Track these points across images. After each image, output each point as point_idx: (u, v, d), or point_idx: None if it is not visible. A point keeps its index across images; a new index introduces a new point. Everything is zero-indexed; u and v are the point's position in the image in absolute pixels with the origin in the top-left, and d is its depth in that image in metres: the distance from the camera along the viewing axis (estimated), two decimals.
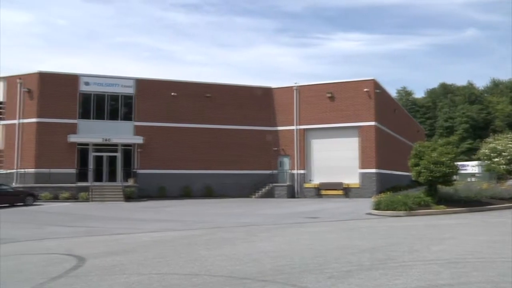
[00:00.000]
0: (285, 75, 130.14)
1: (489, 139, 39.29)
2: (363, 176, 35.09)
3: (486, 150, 37.71)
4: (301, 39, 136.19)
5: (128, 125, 35.82)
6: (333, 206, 25.96)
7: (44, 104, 33.75)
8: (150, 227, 16.89)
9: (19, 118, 34.05)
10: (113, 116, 35.74)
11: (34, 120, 33.67)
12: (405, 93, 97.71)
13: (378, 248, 10.47)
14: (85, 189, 32.68)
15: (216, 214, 22.67)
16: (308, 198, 35.71)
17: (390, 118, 41.29)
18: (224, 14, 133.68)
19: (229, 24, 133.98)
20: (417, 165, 21.24)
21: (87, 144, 34.90)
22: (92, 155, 35.00)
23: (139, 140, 35.38)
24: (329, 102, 36.59)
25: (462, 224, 15.86)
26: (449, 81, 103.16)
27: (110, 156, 35.50)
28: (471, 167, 54.76)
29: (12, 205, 27.98)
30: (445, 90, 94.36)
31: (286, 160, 37.98)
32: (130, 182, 34.16)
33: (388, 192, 22.80)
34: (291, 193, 36.82)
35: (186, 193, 35.60)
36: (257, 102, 38.41)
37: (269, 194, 36.64)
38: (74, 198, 32.08)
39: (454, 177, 22.44)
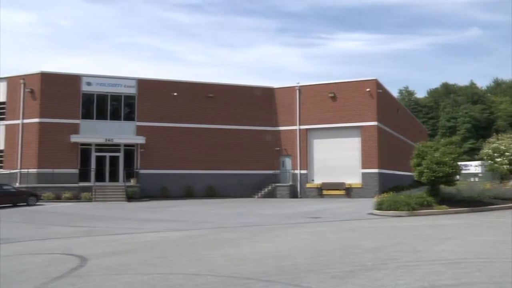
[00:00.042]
0: (287, 75, 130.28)
1: (492, 139, 39.28)
2: (365, 176, 35.05)
3: (489, 150, 37.67)
4: (303, 39, 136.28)
5: (130, 125, 35.85)
6: (335, 206, 25.94)
7: (46, 104, 33.81)
8: (152, 227, 16.90)
9: (21, 118, 34.11)
10: (115, 116, 35.78)
11: (36, 120, 33.72)
12: (407, 93, 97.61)
13: (381, 248, 10.46)
14: (87, 189, 32.72)
15: (219, 214, 22.67)
16: (310, 198, 35.69)
17: (392, 118, 41.24)
18: (226, 14, 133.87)
19: (231, 24, 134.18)
20: (419, 165, 21.21)
21: (89, 144, 34.94)
22: (94, 155, 35.03)
23: (141, 140, 35.41)
24: (331, 102, 36.57)
25: (465, 224, 15.83)
26: (451, 81, 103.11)
27: (112, 156, 35.52)
28: (473, 167, 54.65)
29: (14, 205, 28.04)
30: (447, 90, 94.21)
31: (288, 160, 37.97)
32: (132, 182, 34.18)
33: (391, 192, 22.79)
34: (293, 193, 36.82)
35: (188, 193, 35.61)
36: (259, 102, 38.40)
37: (271, 194, 36.64)
38: (76, 198, 32.12)
39: (457, 177, 22.40)
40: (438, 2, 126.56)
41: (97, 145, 35.11)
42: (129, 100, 36.10)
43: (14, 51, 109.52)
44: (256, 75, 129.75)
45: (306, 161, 37.15)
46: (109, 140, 34.79)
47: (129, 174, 34.87)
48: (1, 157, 34.69)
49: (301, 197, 36.40)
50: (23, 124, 34.04)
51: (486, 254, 9.60)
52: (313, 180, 36.89)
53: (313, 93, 37.25)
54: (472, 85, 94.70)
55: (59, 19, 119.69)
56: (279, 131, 38.25)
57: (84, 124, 34.67)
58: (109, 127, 35.16)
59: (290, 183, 37.27)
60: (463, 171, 36.45)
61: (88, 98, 35.04)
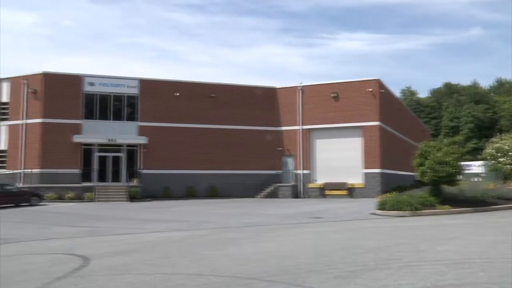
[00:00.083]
0: (289, 75, 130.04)
1: (495, 139, 39.11)
2: (367, 176, 35.01)
3: (492, 150, 37.54)
4: (305, 39, 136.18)
5: (132, 125, 35.89)
6: (338, 206, 25.91)
7: (49, 105, 33.87)
8: (154, 227, 16.91)
9: (24, 119, 34.19)
10: (117, 116, 35.83)
11: (39, 120, 33.79)
12: (410, 93, 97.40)
13: (383, 248, 10.44)
14: (90, 189, 32.76)
15: (221, 214, 22.67)
16: (312, 198, 35.67)
17: (395, 118, 41.18)
18: (228, 14, 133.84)
19: (233, 24, 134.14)
20: (422, 165, 21.17)
21: (91, 145, 35.00)
22: (96, 155, 35.09)
23: (143, 140, 35.44)
24: (333, 102, 36.54)
25: (468, 225, 15.79)
26: (453, 80, 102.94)
27: (114, 156, 35.56)
28: (476, 167, 54.50)
29: (17, 205, 28.10)
30: (450, 90, 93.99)
31: (290, 160, 37.96)
32: (134, 182, 34.22)
33: (393, 192, 22.73)
34: (295, 193, 36.79)
35: (190, 193, 35.62)
36: (261, 102, 38.39)
37: (274, 194, 36.62)
38: (79, 198, 32.17)
39: (459, 177, 22.35)
40: (440, 1, 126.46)
41: (99, 145, 35.16)
42: (131, 100, 36.14)
43: (17, 52, 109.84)
44: (258, 75, 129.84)
45: (308, 161, 37.12)
46: (111, 140, 34.85)
47: (131, 174, 34.91)
48: (4, 157, 34.77)
49: (303, 197, 36.38)
50: (25, 124, 34.12)
51: (490, 254, 9.57)
52: (315, 180, 36.86)
53: (316, 93, 37.22)
54: (475, 85, 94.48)
55: (62, 19, 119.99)
56: (281, 131, 38.23)
57: (87, 124, 34.73)
58: (112, 127, 35.20)
59: (292, 183, 37.25)
60: (466, 171, 36.38)
61: (90, 98, 35.10)
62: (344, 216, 20.33)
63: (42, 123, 33.71)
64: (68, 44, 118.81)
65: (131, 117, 36.02)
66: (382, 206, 20.34)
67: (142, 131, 35.75)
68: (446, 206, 20.16)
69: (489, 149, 38.23)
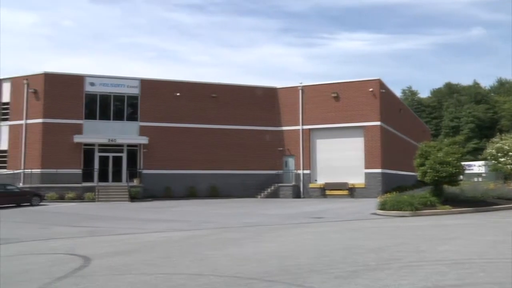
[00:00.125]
0: (290, 75, 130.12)
1: (496, 139, 39.08)
2: (368, 176, 35.01)
3: (493, 150, 37.52)
4: (306, 39, 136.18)
5: (133, 126, 35.91)
6: (338, 206, 25.91)
7: (49, 105, 33.90)
8: (155, 227, 16.92)
9: (25, 119, 34.22)
10: (118, 116, 35.85)
11: (40, 120, 33.82)
12: (410, 93, 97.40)
13: (384, 248, 10.44)
14: (91, 189, 32.79)
15: (222, 214, 22.67)
16: (313, 198, 35.67)
17: (395, 118, 41.18)
18: (228, 14, 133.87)
19: (233, 24, 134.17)
20: (422, 165, 21.16)
21: (92, 145, 35.02)
22: (97, 155, 35.11)
23: (144, 140, 35.46)
24: (334, 102, 36.54)
25: (468, 225, 15.78)
26: (454, 80, 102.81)
27: (115, 157, 35.58)
28: (477, 167, 54.50)
29: (18, 205, 28.13)
30: (451, 90, 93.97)
31: (291, 160, 37.96)
32: (135, 182, 34.23)
33: (394, 192, 22.73)
34: (296, 193, 36.79)
35: (191, 193, 35.64)
36: (261, 102, 38.40)
37: (274, 194, 36.63)
38: (79, 198, 32.19)
39: (460, 177, 22.34)
40: (441, 1, 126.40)
41: (100, 145, 35.18)
42: (132, 101, 36.16)
43: (17, 52, 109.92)
44: (258, 75, 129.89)
45: (309, 161, 37.12)
46: (112, 141, 34.87)
47: (132, 174, 34.93)
48: (5, 157, 34.81)
49: (304, 197, 36.38)
50: (26, 124, 34.15)
51: (490, 255, 9.57)
52: (316, 180, 36.87)
53: (316, 93, 37.23)
54: (476, 85, 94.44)
55: (62, 19, 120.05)
56: (282, 131, 38.24)
57: (87, 124, 34.75)
58: (112, 128, 35.22)
59: (293, 183, 37.25)
60: (467, 171, 36.34)
61: (91, 99, 35.12)
62: (345, 216, 20.33)
63: (43, 123, 33.73)
64: (68, 44, 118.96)
65: (132, 117, 36.03)
66: (383, 206, 20.34)
67: (143, 131, 35.77)
68: (447, 206, 20.16)
69: (489, 149, 38.20)
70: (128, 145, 35.81)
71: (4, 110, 35.35)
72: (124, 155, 35.69)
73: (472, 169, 52.32)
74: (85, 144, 34.72)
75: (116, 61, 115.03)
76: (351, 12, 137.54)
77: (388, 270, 8.04)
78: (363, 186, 34.99)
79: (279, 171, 37.88)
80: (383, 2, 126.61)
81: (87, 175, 34.14)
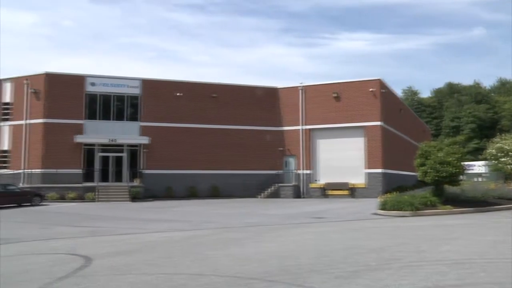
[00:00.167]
0: (291, 75, 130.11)
1: (496, 139, 39.11)
2: (369, 176, 35.01)
3: (493, 150, 37.53)
4: (306, 39, 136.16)
5: (134, 126, 35.94)
6: (339, 206, 25.92)
7: (50, 105, 33.94)
8: (156, 227, 16.93)
9: (26, 119, 34.27)
10: (119, 116, 35.88)
11: (41, 120, 33.86)
12: (411, 93, 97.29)
13: (385, 248, 10.44)
14: (92, 189, 32.82)
15: (222, 214, 22.68)
16: (314, 198, 35.68)
17: (396, 118, 41.17)
18: (228, 14, 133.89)
19: (233, 24, 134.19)
20: (423, 165, 21.17)
21: (93, 145, 35.05)
22: (98, 155, 35.14)
23: (145, 140, 35.48)
24: (334, 102, 36.55)
25: (469, 225, 15.78)
26: (455, 80, 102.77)
27: (116, 157, 35.62)
28: (477, 167, 54.48)
29: (19, 205, 28.16)
30: (452, 90, 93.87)
31: (292, 160, 37.97)
32: (136, 182, 34.26)
33: (394, 192, 22.75)
34: (297, 193, 36.80)
35: (192, 193, 35.66)
36: (262, 102, 38.42)
37: (275, 194, 36.64)
38: (80, 198, 32.22)
39: (461, 177, 22.35)
40: (441, 1, 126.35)
41: (101, 145, 35.21)
42: (133, 101, 36.19)
43: (17, 52, 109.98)
44: (259, 75, 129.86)
45: (309, 161, 37.14)
46: (113, 141, 34.90)
47: (133, 174, 34.95)
48: (6, 158, 34.85)
49: (304, 197, 36.39)
50: (28, 124, 34.19)
51: (491, 255, 9.57)
52: (316, 180, 36.87)
53: (317, 93, 37.23)
54: (476, 85, 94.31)
55: (61, 19, 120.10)
56: (282, 131, 38.25)
57: (88, 124, 34.78)
58: (113, 128, 35.26)
59: (294, 183, 37.26)
60: (467, 171, 36.35)
61: (92, 99, 35.16)
62: (345, 216, 20.33)
63: (44, 123, 33.78)
64: (68, 44, 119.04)
65: (133, 117, 36.06)
66: (383, 206, 20.35)
67: (144, 131, 35.80)
68: (448, 206, 20.16)
69: (490, 149, 38.22)
70: (129, 145, 35.83)
71: (5, 110, 35.39)
72: (125, 155, 35.72)
73: (472, 169, 52.29)
74: (86, 144, 34.75)
75: (116, 61, 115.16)
76: (352, 12, 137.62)
77: (388, 270, 8.05)
78: (363, 186, 34.99)
79: (280, 171, 37.89)
80: (383, 2, 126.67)
81: (88, 175, 34.17)
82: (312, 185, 36.81)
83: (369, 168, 35.10)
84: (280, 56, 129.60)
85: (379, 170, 34.88)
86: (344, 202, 30.12)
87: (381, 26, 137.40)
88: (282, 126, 38.30)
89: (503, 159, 36.30)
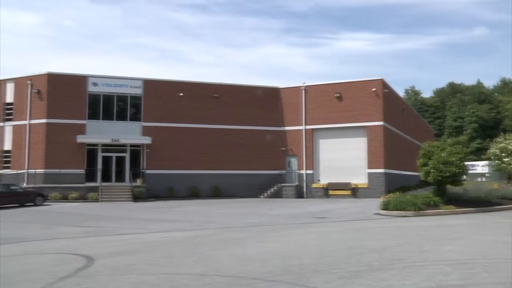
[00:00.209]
0: (292, 75, 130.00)
1: (499, 139, 39.02)
2: (371, 176, 34.96)
3: (496, 150, 37.44)
4: (309, 39, 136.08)
5: (136, 126, 35.97)
6: (341, 206, 25.89)
7: (53, 105, 33.98)
8: (158, 227, 16.94)
9: (28, 119, 34.32)
10: (121, 116, 35.91)
11: (43, 121, 33.91)
12: (413, 93, 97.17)
13: (387, 249, 10.42)
14: (94, 189, 32.85)
15: (224, 214, 22.68)
16: (316, 198, 35.65)
17: (398, 118, 41.11)
18: (231, 14, 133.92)
19: (236, 24, 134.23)
20: (426, 165, 21.14)
21: (95, 145, 35.09)
22: (100, 155, 35.16)
23: (147, 140, 35.51)
24: (337, 102, 36.51)
25: (472, 225, 15.74)
26: (457, 80, 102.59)
27: (118, 157, 35.64)
28: (480, 167, 54.34)
29: (21, 205, 28.20)
30: (454, 90, 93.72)
31: (294, 160, 37.94)
32: (138, 182, 34.29)
33: (397, 192, 22.72)
34: (299, 193, 36.78)
35: (194, 193, 35.66)
36: (264, 102, 38.40)
37: (277, 194, 36.62)
38: (83, 198, 32.25)
39: (463, 177, 22.31)
40: (442, 1, 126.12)
41: (103, 145, 35.24)
42: (135, 101, 36.21)
43: (18, 52, 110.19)
44: (261, 75, 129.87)
45: (312, 161, 37.10)
46: (115, 141, 34.92)
47: (135, 174, 34.97)
48: (9, 158, 34.91)
49: (307, 197, 36.36)
50: (30, 124, 34.25)
51: (493, 255, 9.54)
52: (319, 180, 36.84)
53: (319, 93, 37.21)
54: (479, 85, 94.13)
55: (62, 19, 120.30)
56: (284, 131, 38.23)
57: (91, 124, 34.82)
58: (115, 128, 35.28)
59: (296, 183, 37.23)
60: (470, 171, 36.26)
61: (94, 99, 35.19)
62: (348, 216, 20.31)
63: (46, 123, 33.82)
64: (69, 44, 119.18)
65: (135, 117, 36.08)
66: (386, 206, 20.32)
67: (146, 131, 35.82)
68: (451, 206, 20.13)
69: (493, 149, 38.13)
70: (131, 145, 35.86)
71: (7, 111, 35.45)
72: (127, 155, 35.75)
73: (475, 169, 52.14)
74: (88, 144, 34.79)
75: (118, 61, 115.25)
76: (354, 12, 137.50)
77: (391, 270, 8.03)
78: (366, 186, 34.95)
79: (282, 171, 37.87)
80: (385, 2, 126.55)
81: (90, 175, 34.21)
82: (314, 185, 36.78)
83: (371, 168, 35.05)
84: (282, 56, 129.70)
85: (382, 170, 34.83)
86: (346, 202, 30.09)
87: (382, 26, 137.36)
88: (284, 126, 38.28)
89: (506, 159, 36.21)
